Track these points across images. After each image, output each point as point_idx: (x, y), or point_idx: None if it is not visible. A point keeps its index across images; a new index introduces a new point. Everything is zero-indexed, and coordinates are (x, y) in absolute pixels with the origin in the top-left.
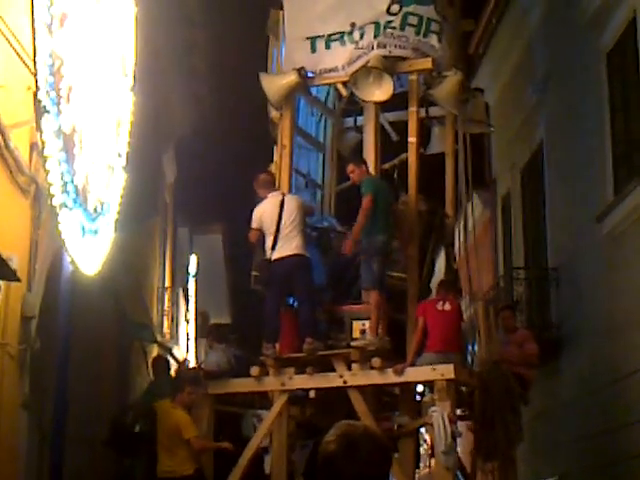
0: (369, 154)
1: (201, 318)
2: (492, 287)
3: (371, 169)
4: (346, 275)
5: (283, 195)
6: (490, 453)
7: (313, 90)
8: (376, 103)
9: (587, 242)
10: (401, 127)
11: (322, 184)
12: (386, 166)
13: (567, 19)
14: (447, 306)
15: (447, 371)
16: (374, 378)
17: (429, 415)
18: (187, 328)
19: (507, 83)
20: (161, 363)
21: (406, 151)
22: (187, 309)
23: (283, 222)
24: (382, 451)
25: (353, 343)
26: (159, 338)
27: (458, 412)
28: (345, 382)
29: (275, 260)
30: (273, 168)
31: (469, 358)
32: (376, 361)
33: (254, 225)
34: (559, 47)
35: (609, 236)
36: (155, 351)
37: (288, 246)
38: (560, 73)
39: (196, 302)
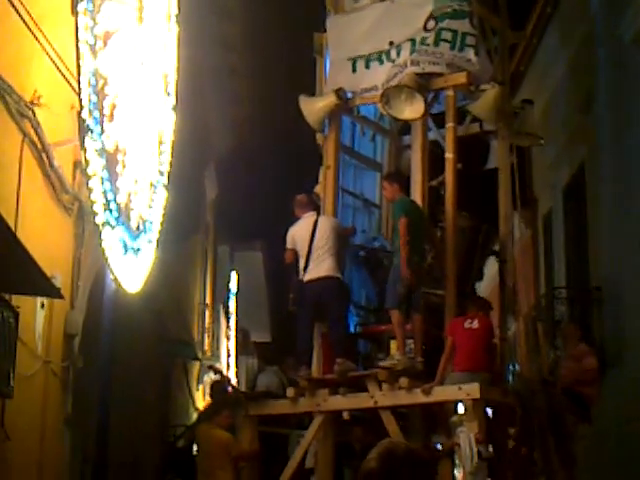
0: (416, 172)
1: (241, 336)
2: (534, 306)
3: (418, 187)
4: None
5: (317, 216)
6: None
7: (367, 110)
8: (407, 121)
9: (630, 261)
10: (457, 143)
11: (380, 204)
12: (433, 183)
13: (612, 36)
14: (475, 324)
15: (473, 390)
16: (402, 398)
17: (457, 435)
18: (227, 345)
19: (549, 101)
20: (219, 387)
21: (461, 166)
22: (228, 326)
23: (315, 243)
24: (423, 469)
25: (381, 363)
26: (200, 355)
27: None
28: (376, 402)
29: (307, 282)
30: (318, 189)
31: (510, 377)
32: (404, 381)
33: (288, 245)
34: (603, 65)
35: None
36: (196, 368)
37: (320, 268)
38: (604, 92)
39: (236, 319)
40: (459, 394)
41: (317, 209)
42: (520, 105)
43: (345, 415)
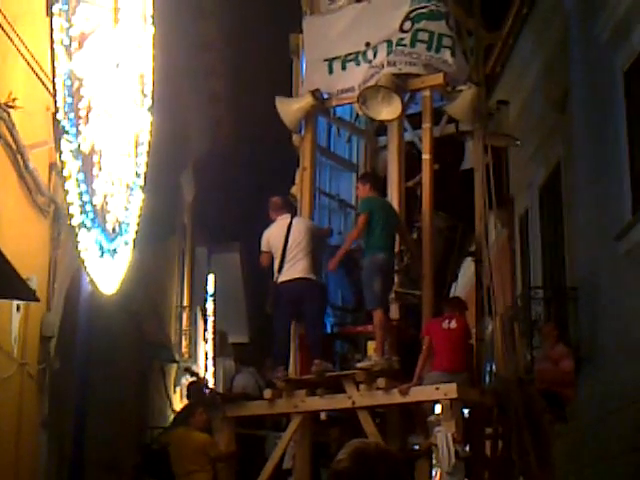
0: (392, 172)
1: (219, 337)
2: (510, 306)
3: (394, 188)
4: None
5: (292, 218)
6: (503, 473)
7: (343, 111)
8: (384, 122)
9: (606, 261)
10: (434, 143)
11: (355, 205)
12: (409, 184)
13: (586, 36)
14: (453, 324)
15: (450, 390)
16: (380, 399)
17: (434, 435)
18: (205, 347)
19: (525, 101)
20: (195, 388)
21: (437, 167)
22: (205, 328)
23: (289, 245)
24: (395, 469)
25: (358, 364)
26: (177, 358)
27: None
28: (353, 403)
29: (281, 283)
30: (295, 190)
31: (487, 376)
32: (381, 381)
33: (263, 248)
34: (578, 65)
35: (628, 255)
36: (174, 371)
37: (294, 269)
38: (579, 91)
39: (214, 321)
40: (436, 394)
41: (292, 211)
42: (496, 106)
43: (323, 416)
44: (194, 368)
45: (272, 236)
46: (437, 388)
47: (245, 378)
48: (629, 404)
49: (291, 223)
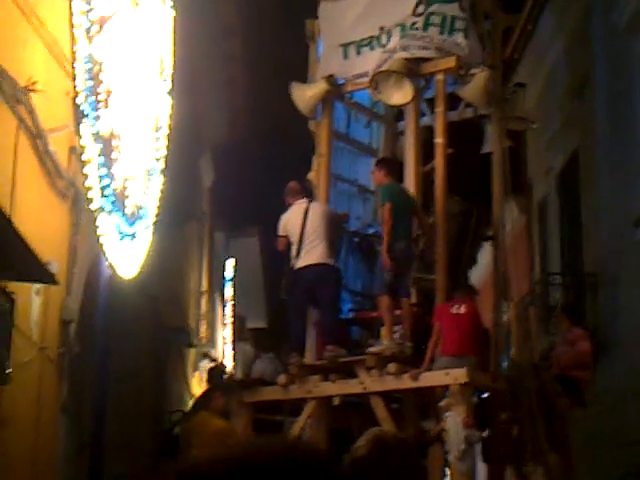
0: (409, 157)
1: (238, 322)
2: (528, 292)
3: (411, 172)
4: None
5: (309, 203)
6: (518, 457)
7: (362, 96)
8: (396, 106)
9: (624, 247)
10: (452, 127)
11: (374, 190)
12: (426, 168)
13: (605, 22)
14: (462, 309)
15: (460, 375)
16: (390, 384)
17: (444, 420)
18: (223, 332)
19: (543, 86)
20: (216, 372)
21: (455, 151)
22: (224, 313)
23: (307, 230)
24: (412, 456)
25: (369, 349)
26: (196, 342)
27: None
28: (365, 388)
29: (299, 269)
30: (311, 176)
31: (505, 362)
32: (392, 366)
33: (280, 233)
34: (597, 51)
35: None
36: (192, 355)
37: (311, 255)
38: (597, 78)
39: (233, 306)
40: (447, 379)
41: (309, 196)
42: (512, 88)
43: (336, 401)
44: (212, 353)
45: (289, 221)
46: (447, 373)
47: (264, 364)
48: None
49: (308, 208)
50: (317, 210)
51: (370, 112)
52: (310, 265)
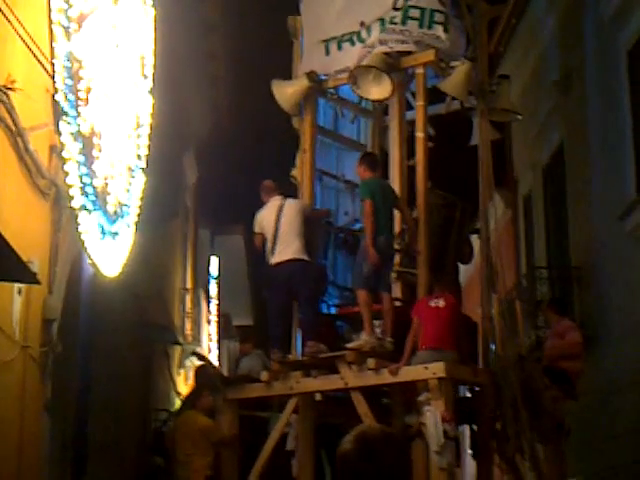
0: (394, 151)
1: (223, 320)
2: (514, 286)
3: (396, 166)
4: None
5: (283, 200)
6: (503, 452)
7: (349, 92)
8: (376, 101)
9: (610, 241)
10: (438, 121)
11: None
12: (411, 162)
13: (589, 16)
14: (441, 302)
15: (438, 369)
16: (370, 379)
17: (423, 414)
18: (209, 330)
19: (528, 80)
20: (202, 371)
21: (442, 144)
22: (209, 311)
23: (281, 227)
24: (399, 451)
25: (349, 345)
26: (181, 340)
27: None
28: (346, 384)
29: (274, 265)
30: (295, 172)
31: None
32: (371, 362)
33: (256, 230)
34: (581, 44)
35: (632, 234)
36: (177, 353)
37: (286, 251)
38: (581, 71)
39: (218, 304)
40: (425, 373)
41: (283, 194)
42: (496, 80)
43: (318, 397)
44: (198, 351)
45: (264, 218)
46: (426, 367)
47: (252, 360)
48: (634, 382)
49: (283, 205)
50: (292, 206)
51: (356, 107)
52: (285, 261)
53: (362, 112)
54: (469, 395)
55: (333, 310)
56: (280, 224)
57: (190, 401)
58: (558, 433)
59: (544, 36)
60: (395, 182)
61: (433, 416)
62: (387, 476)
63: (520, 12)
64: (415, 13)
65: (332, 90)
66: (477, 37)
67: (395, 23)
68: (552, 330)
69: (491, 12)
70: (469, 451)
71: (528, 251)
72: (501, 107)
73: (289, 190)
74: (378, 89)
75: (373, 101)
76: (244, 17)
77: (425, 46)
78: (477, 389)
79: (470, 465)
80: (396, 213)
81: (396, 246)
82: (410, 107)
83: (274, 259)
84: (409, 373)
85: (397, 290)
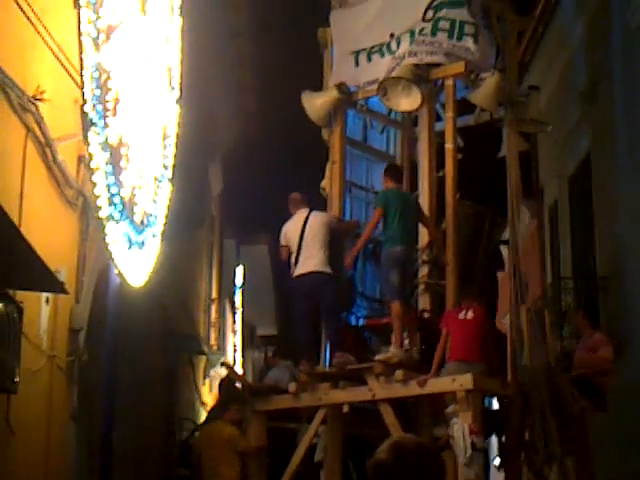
0: (423, 162)
1: (248, 330)
2: (540, 296)
3: (425, 177)
4: None
5: (309, 212)
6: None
7: (379, 103)
8: (406, 112)
9: (636, 251)
10: (468, 132)
11: None
12: (440, 174)
13: (615, 25)
14: (469, 314)
15: (466, 381)
16: (398, 391)
17: (451, 427)
18: (234, 339)
19: (554, 90)
20: (227, 383)
21: (472, 156)
22: (234, 320)
23: (305, 239)
24: (434, 461)
25: (377, 356)
26: (206, 350)
27: None
28: (374, 395)
29: (298, 276)
30: (325, 184)
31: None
32: (399, 373)
33: (282, 242)
34: (607, 53)
35: None
36: (203, 363)
37: (309, 263)
38: (608, 80)
39: (243, 313)
40: (453, 385)
41: (310, 206)
42: (526, 91)
43: (345, 408)
44: (223, 360)
45: (289, 230)
46: (453, 379)
47: (280, 372)
48: None
49: (308, 217)
50: (316, 218)
51: (385, 118)
52: (307, 273)
53: (391, 123)
54: (497, 406)
55: (362, 321)
56: (305, 236)
57: (216, 413)
58: (587, 445)
59: (570, 45)
60: (424, 193)
61: (461, 428)
62: None
63: (546, 22)
64: (445, 25)
65: (362, 101)
66: (506, 48)
67: (425, 35)
68: (583, 342)
69: (520, 23)
70: (495, 462)
71: (553, 261)
72: (530, 118)
73: (317, 201)
74: (407, 100)
75: (402, 112)
76: (271, 24)
77: (455, 58)
78: (505, 400)
79: (496, 476)
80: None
81: (424, 257)
82: (439, 118)
83: (297, 271)
84: (437, 385)
85: (425, 302)
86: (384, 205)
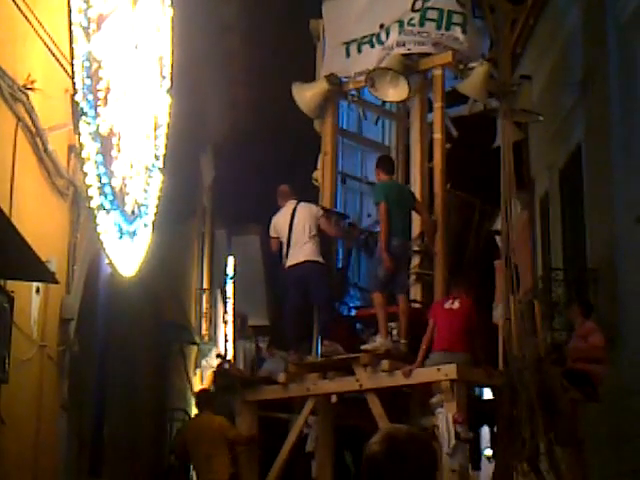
0: (415, 152)
1: (239, 320)
2: (530, 288)
3: (417, 167)
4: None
5: (296, 204)
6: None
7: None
8: (394, 102)
9: (627, 242)
10: (462, 122)
11: None
12: (431, 164)
13: (607, 17)
14: (455, 304)
15: (450, 371)
16: (384, 381)
17: (435, 416)
18: (225, 330)
19: (546, 80)
20: (221, 374)
21: (464, 146)
22: (225, 311)
23: (294, 230)
24: (426, 451)
25: (363, 346)
26: (197, 340)
27: None
28: (361, 385)
29: (289, 267)
30: (317, 175)
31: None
32: (385, 364)
33: (272, 234)
34: (598, 46)
35: None
36: (194, 353)
37: (299, 253)
38: (598, 72)
39: (234, 304)
40: (437, 375)
41: (298, 198)
42: (518, 81)
43: (333, 398)
44: (214, 351)
45: (279, 222)
46: (438, 369)
47: (275, 363)
48: None
49: (296, 208)
50: (304, 210)
51: (379, 109)
52: (298, 263)
53: (385, 114)
54: (490, 396)
55: (353, 312)
56: (293, 227)
57: (205, 402)
58: (577, 436)
59: (563, 36)
60: (416, 184)
61: (445, 418)
62: (415, 477)
63: (538, 12)
64: (433, 14)
65: (354, 92)
66: (500, 38)
67: (413, 25)
68: (576, 332)
69: (514, 12)
70: (486, 452)
71: (544, 252)
72: (522, 108)
73: (309, 192)
74: (395, 91)
75: (390, 102)
76: (262, 17)
77: (443, 47)
78: (496, 390)
79: (487, 467)
80: (415, 215)
81: (416, 248)
82: (432, 109)
83: (288, 262)
84: (421, 375)
85: (417, 292)
86: (385, 199)
